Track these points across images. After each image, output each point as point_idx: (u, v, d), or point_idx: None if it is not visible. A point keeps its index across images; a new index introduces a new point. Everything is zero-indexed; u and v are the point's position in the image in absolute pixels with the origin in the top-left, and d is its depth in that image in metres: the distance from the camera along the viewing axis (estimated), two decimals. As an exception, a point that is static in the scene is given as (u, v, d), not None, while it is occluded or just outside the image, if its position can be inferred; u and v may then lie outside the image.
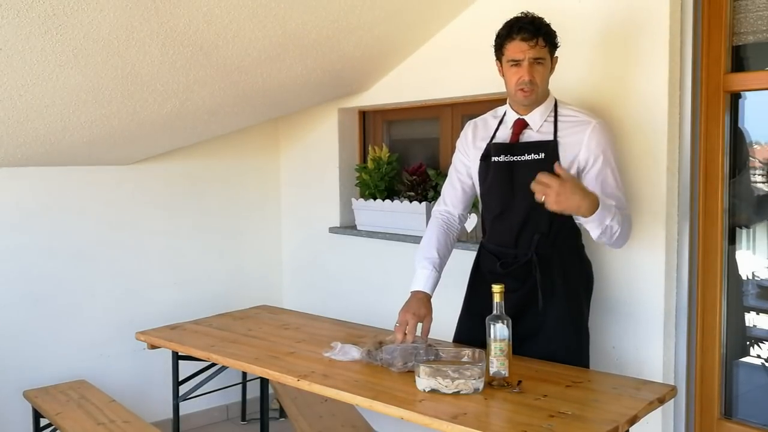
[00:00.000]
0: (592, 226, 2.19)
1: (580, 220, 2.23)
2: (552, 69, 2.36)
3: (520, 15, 2.32)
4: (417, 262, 2.47)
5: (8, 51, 2.33)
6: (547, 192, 2.05)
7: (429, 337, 2.36)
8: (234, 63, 2.87)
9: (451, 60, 3.22)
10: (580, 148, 2.30)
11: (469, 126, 2.57)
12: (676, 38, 2.55)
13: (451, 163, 2.62)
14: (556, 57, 2.36)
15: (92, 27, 2.33)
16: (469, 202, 2.63)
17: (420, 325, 2.34)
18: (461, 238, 2.70)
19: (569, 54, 2.71)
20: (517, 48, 2.27)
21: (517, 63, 2.29)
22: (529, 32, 2.25)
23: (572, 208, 2.09)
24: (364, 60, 3.33)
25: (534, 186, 2.08)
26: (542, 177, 2.07)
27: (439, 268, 2.46)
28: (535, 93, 2.31)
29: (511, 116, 2.42)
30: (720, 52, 2.55)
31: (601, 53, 2.70)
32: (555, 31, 2.33)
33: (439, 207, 2.62)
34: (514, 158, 2.37)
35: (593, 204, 2.11)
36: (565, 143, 2.32)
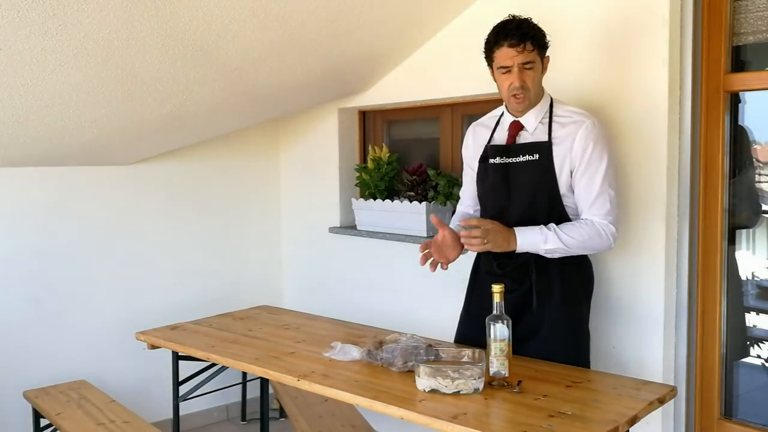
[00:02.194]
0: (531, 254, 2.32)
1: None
2: (544, 70, 2.36)
3: (507, 18, 2.29)
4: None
5: (8, 51, 2.33)
6: (473, 239, 2.22)
7: (429, 337, 2.36)
8: (234, 63, 2.87)
9: (451, 60, 3.22)
10: (571, 147, 2.31)
11: (470, 129, 2.60)
12: (676, 38, 2.55)
13: (450, 163, 2.63)
14: (548, 57, 2.35)
15: (92, 27, 2.33)
16: None
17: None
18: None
19: (569, 54, 2.71)
20: (505, 54, 2.27)
21: (507, 69, 2.29)
22: (516, 38, 2.23)
23: (499, 247, 2.27)
24: (364, 60, 3.33)
25: (462, 234, 2.25)
26: (470, 222, 2.26)
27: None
28: (529, 98, 2.32)
29: (507, 118, 2.43)
30: (720, 52, 2.55)
31: (601, 53, 2.70)
32: (544, 32, 2.31)
33: (459, 209, 2.68)
34: (510, 160, 2.38)
35: (515, 241, 2.28)
36: (559, 143, 2.32)
